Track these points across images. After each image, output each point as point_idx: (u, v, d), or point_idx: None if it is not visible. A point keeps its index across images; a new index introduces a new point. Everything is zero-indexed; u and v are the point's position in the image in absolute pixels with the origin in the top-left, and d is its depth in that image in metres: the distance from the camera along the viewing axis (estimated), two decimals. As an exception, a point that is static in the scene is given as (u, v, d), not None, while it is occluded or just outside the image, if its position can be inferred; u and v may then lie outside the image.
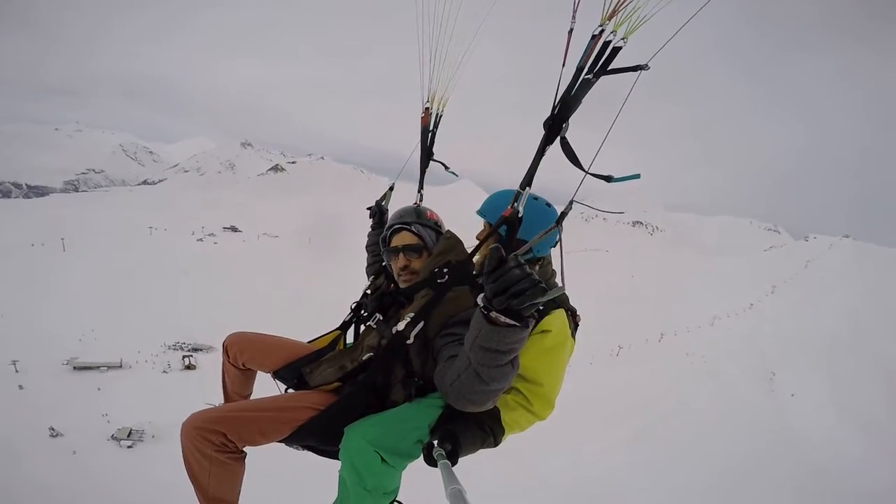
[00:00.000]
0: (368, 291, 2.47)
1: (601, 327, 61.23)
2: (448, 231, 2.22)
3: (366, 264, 2.76)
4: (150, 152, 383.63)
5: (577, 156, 1.62)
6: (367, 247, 2.80)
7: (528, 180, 1.66)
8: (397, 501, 1.73)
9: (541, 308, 1.73)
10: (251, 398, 2.29)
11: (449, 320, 1.77)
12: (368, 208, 2.86)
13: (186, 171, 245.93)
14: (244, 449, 1.74)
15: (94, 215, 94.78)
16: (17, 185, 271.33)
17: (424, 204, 2.51)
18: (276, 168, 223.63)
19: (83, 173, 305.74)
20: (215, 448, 1.66)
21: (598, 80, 1.50)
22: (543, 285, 1.17)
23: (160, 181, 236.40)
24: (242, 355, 2.21)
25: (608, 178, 1.59)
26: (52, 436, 31.03)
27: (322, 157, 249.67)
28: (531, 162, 1.66)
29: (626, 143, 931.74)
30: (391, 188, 2.94)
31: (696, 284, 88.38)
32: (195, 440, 1.67)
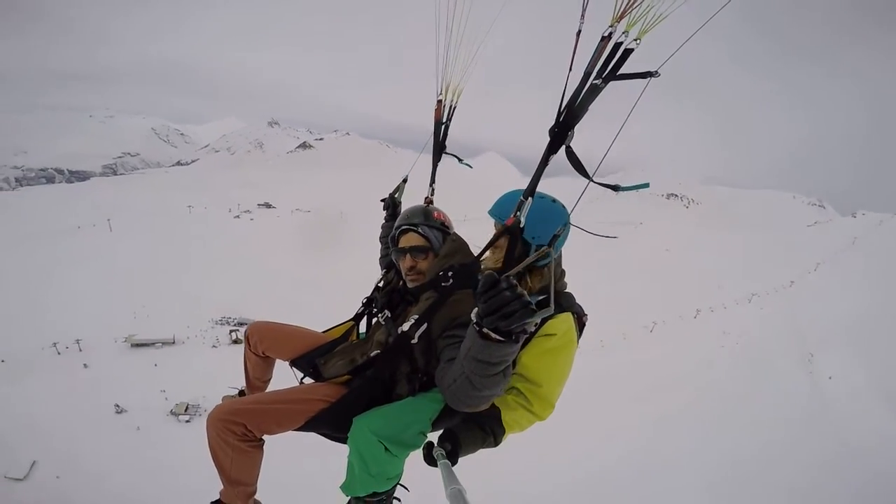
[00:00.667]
0: (380, 285, 2.57)
1: (635, 302, 61.27)
2: (454, 234, 2.29)
3: (379, 255, 2.84)
4: (182, 134, 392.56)
5: (583, 164, 1.60)
6: (380, 238, 2.88)
7: (531, 190, 1.68)
8: (400, 484, 1.96)
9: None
10: (269, 387, 2.53)
11: (451, 323, 1.83)
12: (382, 200, 2.97)
13: (217, 151, 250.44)
14: (262, 437, 1.94)
15: (136, 197, 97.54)
16: (60, 171, 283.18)
17: (436, 201, 2.66)
18: (303, 145, 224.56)
19: (119, 157, 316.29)
20: (237, 438, 1.86)
21: (606, 85, 1.45)
22: (533, 306, 1.24)
23: (193, 162, 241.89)
24: (262, 344, 2.42)
25: (615, 188, 1.58)
26: (117, 412, 31.92)
27: (348, 133, 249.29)
28: (535, 171, 1.67)
29: (662, 112, 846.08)
30: (404, 180, 3.04)
31: (733, 260, 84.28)
32: (219, 431, 1.86)
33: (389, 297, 2.34)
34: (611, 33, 1.41)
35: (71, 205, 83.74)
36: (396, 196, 2.97)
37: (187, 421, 32.15)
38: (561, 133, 1.56)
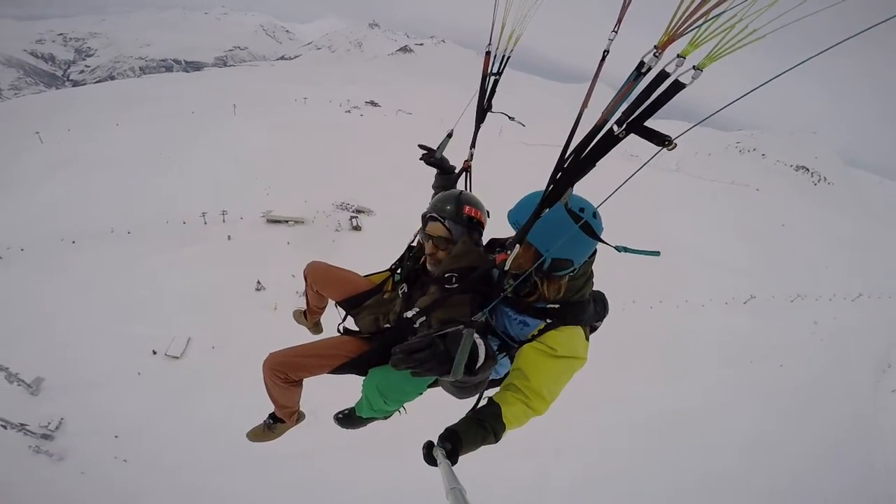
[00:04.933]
0: (413, 244, 2.93)
1: (737, 268, 57.73)
2: (465, 237, 2.44)
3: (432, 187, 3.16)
4: (287, 31, 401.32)
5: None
6: (433, 186, 3.17)
7: (519, 238, 1.74)
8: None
9: (548, 321, 2.00)
10: (305, 340, 2.78)
11: (447, 321, 1.89)
12: (421, 158, 3.12)
13: (319, 49, 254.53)
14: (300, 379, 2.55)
15: (250, 86, 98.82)
16: (177, 62, 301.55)
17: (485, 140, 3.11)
18: (404, 49, 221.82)
19: (230, 50, 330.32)
20: (281, 381, 2.48)
21: (626, 136, 1.21)
22: (448, 364, 1.52)
23: (295, 57, 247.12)
24: (316, 283, 3.02)
25: (619, 249, 1.57)
26: (257, 289, 32.55)
27: (443, 41, 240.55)
28: (528, 219, 1.64)
29: (806, 73, 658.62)
30: (449, 135, 3.25)
31: (851, 253, 73.69)
32: (269, 376, 2.49)
33: (410, 272, 2.76)
34: (656, 55, 1.06)
35: (192, 91, 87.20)
36: (437, 153, 3.10)
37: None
38: (558, 187, 1.45)
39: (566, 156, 1.36)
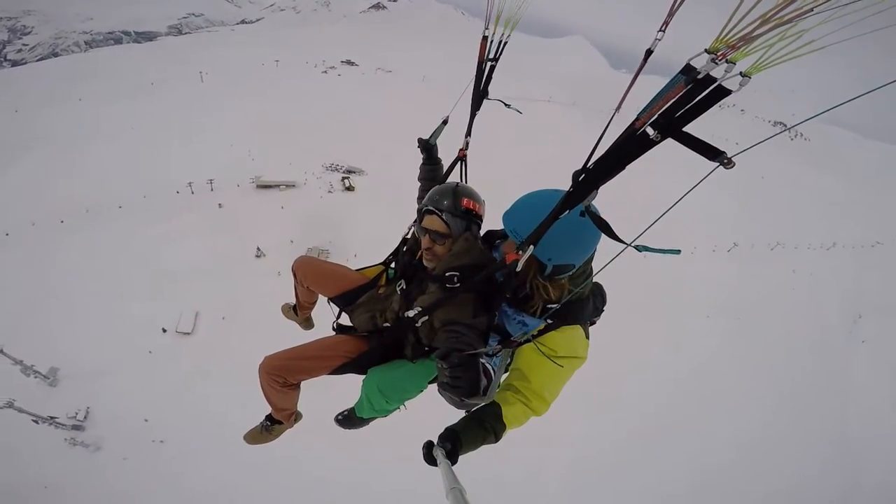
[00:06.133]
0: (407, 237, 2.81)
1: (720, 217, 58.07)
2: (467, 234, 2.33)
3: (417, 196, 2.93)
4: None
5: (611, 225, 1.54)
6: (418, 178, 3.01)
7: (534, 238, 1.63)
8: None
9: (549, 321, 1.95)
10: (292, 345, 2.64)
11: (450, 321, 1.93)
12: (418, 145, 2.98)
13: (283, 10, 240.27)
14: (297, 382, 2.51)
15: (214, 52, 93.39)
16: (126, 33, 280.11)
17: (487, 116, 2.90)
18: (377, 6, 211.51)
19: (184, 17, 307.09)
20: (279, 384, 2.40)
21: (662, 141, 1.15)
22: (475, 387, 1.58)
23: (258, 20, 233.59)
24: (306, 280, 2.85)
25: (643, 249, 1.47)
26: (257, 256, 31.42)
27: None
28: (544, 220, 1.56)
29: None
30: (444, 122, 2.95)
31: (826, 206, 75.64)
32: (266, 380, 2.42)
33: (407, 267, 2.60)
34: (707, 59, 0.99)
35: (148, 62, 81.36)
36: (431, 139, 2.96)
37: (324, 265, 31.76)
38: (582, 188, 1.35)
39: (593, 152, 1.26)
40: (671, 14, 1.18)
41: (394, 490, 21.68)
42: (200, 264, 29.90)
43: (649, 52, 1.29)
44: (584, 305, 2.09)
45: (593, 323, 2.21)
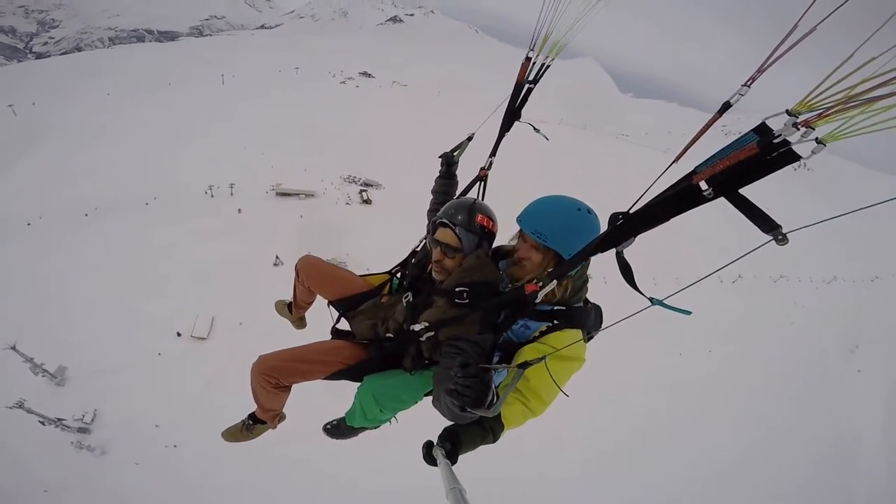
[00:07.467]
0: (416, 250, 2.79)
1: (726, 247, 57.10)
2: (479, 251, 2.31)
3: (428, 208, 2.95)
4: None
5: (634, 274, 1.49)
6: (432, 191, 2.98)
7: (560, 274, 1.74)
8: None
9: (554, 322, 1.97)
10: (286, 348, 2.60)
11: (456, 337, 1.93)
12: (440, 157, 2.97)
13: (302, 18, 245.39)
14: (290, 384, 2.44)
15: (232, 54, 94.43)
16: (149, 31, 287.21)
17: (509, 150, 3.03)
18: (394, 19, 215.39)
19: (206, 19, 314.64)
20: (271, 385, 2.34)
21: (714, 199, 1.11)
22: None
23: (277, 26, 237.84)
24: (308, 280, 2.81)
25: (657, 303, 1.44)
26: (275, 265, 31.11)
27: (433, 11, 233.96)
28: (576, 255, 1.62)
29: (794, 59, 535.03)
30: (469, 138, 2.92)
31: (828, 239, 73.81)
32: (259, 380, 2.36)
33: (415, 279, 2.56)
34: (793, 118, 0.91)
35: (171, 61, 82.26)
36: (456, 154, 2.95)
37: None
38: (620, 234, 1.34)
39: (640, 199, 1.24)
40: (760, 71, 1.06)
41: (394, 490, 21.33)
42: (218, 269, 29.62)
43: (727, 105, 1.19)
44: (586, 311, 2.11)
45: (591, 338, 2.19)
